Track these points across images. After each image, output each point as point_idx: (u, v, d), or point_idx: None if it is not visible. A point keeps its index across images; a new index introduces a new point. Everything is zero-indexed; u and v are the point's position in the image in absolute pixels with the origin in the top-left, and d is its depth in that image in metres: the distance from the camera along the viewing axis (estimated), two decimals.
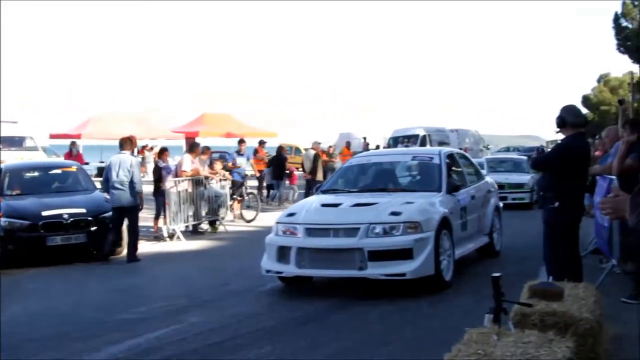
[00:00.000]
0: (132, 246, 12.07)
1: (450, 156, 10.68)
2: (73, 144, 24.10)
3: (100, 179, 14.44)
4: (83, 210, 12.05)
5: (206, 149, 17.02)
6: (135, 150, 35.05)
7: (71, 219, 11.78)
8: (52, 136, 35.78)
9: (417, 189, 9.87)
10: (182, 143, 34.44)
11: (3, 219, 11.60)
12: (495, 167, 21.89)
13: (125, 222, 12.22)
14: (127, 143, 12.58)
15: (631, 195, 3.22)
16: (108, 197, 12.35)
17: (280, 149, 23.33)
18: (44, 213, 11.76)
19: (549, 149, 11.12)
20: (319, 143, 24.05)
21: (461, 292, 8.59)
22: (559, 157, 7.29)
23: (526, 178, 20.24)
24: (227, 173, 17.44)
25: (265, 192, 22.88)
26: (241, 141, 20.24)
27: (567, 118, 7.23)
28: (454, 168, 10.55)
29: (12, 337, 7.21)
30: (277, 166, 22.15)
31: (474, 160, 12.87)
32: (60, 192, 13.12)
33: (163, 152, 15.78)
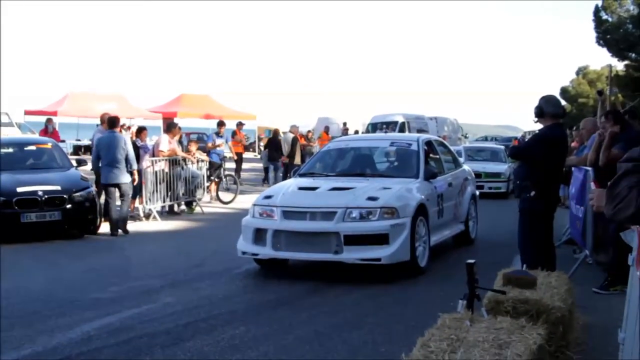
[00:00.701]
0: (124, 221, 12.67)
1: (429, 143, 10.72)
2: (49, 120, 23.81)
3: (76, 157, 14.32)
4: (58, 188, 11.94)
5: (176, 128, 16.63)
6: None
7: (46, 196, 11.68)
8: (28, 112, 35.34)
9: (394, 174, 9.90)
10: (160, 123, 34.24)
11: None
12: (472, 156, 22.03)
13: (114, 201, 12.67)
14: (117, 122, 13.12)
15: (607, 186, 3.25)
16: (87, 175, 12.44)
17: (275, 131, 23.23)
18: (19, 189, 11.64)
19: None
20: (297, 127, 24.02)
21: (436, 278, 8.65)
22: (536, 147, 7.33)
23: (503, 167, 20.39)
24: (204, 155, 17.35)
25: (240, 174, 22.80)
26: (221, 123, 20.13)
27: (546, 108, 7.27)
28: (432, 155, 10.58)
29: None
30: (274, 149, 22.00)
31: (452, 149, 12.92)
32: (35, 169, 12.99)
33: (141, 131, 15.69)
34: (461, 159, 14.84)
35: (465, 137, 43.73)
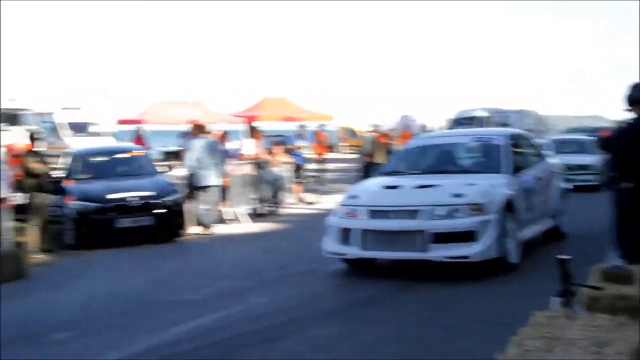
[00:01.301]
0: (212, 221, 13.37)
1: (513, 137, 10.50)
2: (139, 129, 24.81)
3: (165, 163, 14.76)
4: (149, 193, 12.33)
5: (259, 132, 17.00)
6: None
7: (137, 202, 12.07)
8: (120, 122, 36.60)
9: (479, 170, 9.73)
10: (242, 127, 34.81)
11: (74, 202, 11.99)
12: (560, 149, 21.39)
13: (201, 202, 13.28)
14: (204, 128, 13.98)
15: None
16: (176, 179, 12.96)
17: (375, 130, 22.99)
18: (112, 196, 12.08)
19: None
20: (379, 126, 23.93)
21: (526, 275, 8.46)
22: (627, 136, 7.09)
23: (592, 159, 19.73)
24: (287, 157, 17.54)
25: (324, 175, 22.86)
26: (302, 125, 20.30)
27: (638, 95, 7.01)
28: (516, 149, 10.35)
29: (84, 315, 7.47)
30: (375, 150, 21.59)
31: (538, 142, 12.61)
32: (127, 176, 13.44)
33: (223, 136, 15.99)
34: (548, 152, 14.47)
35: (551, 130, 42.58)
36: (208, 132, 14.06)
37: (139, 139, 24.38)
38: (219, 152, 13.66)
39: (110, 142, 26.24)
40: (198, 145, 13.45)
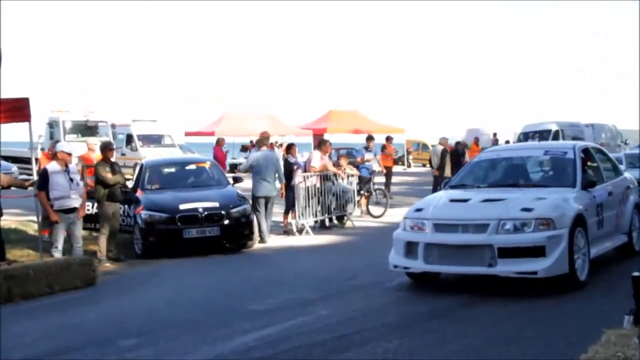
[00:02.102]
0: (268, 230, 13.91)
1: (585, 150, 10.24)
2: (219, 140, 25.71)
3: (233, 174, 15.00)
4: (217, 204, 12.51)
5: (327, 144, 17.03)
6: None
7: (206, 213, 12.26)
8: (187, 134, 37.36)
9: (549, 184, 9.53)
10: (310, 140, 35.04)
11: (144, 212, 12.26)
12: (634, 163, 20.76)
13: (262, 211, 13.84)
14: (264, 141, 14.86)
15: None
16: (243, 192, 13.31)
17: (457, 143, 22.88)
18: (181, 207, 12.30)
19: None
20: (447, 139, 23.72)
21: (597, 292, 8.22)
22: None
23: None
24: (354, 169, 17.56)
25: (390, 187, 22.77)
26: (369, 138, 20.29)
27: None
28: (589, 163, 10.09)
29: (151, 323, 7.63)
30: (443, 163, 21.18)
31: (612, 156, 12.27)
32: (196, 187, 13.69)
33: (290, 147, 16.12)
34: (622, 167, 14.05)
35: (626, 144, 41.32)
36: (270, 145, 14.45)
37: (219, 150, 24.91)
38: (277, 164, 14.36)
39: (187, 154, 26.89)
40: (257, 156, 14.28)
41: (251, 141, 38.52)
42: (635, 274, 4.52)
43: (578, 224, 8.47)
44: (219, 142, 25.65)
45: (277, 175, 14.33)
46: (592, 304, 7.64)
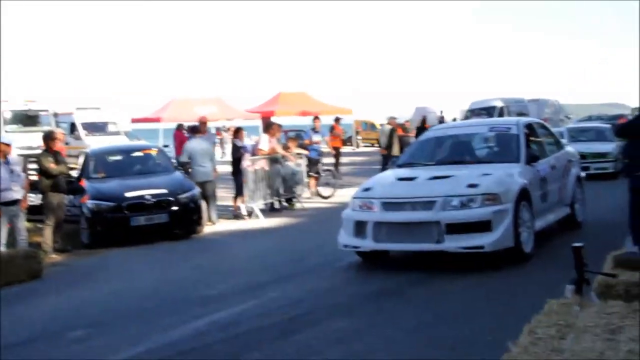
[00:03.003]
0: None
1: (529, 126, 10.42)
2: (180, 125, 25.38)
3: (182, 160, 14.82)
4: (164, 191, 12.37)
5: (277, 127, 16.99)
6: (213, 131, 35.72)
7: (153, 200, 12.12)
8: (134, 120, 36.72)
9: (494, 160, 9.68)
10: (258, 123, 34.84)
11: (90, 201, 12.05)
12: (576, 137, 21.23)
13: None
14: (196, 128, 14.96)
15: None
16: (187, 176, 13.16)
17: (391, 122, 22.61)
18: (128, 194, 12.13)
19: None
20: (395, 118, 23.84)
21: (541, 263, 8.41)
22: None
23: (610, 147, 19.54)
24: (303, 150, 17.53)
25: (339, 168, 22.83)
26: (316, 118, 20.27)
27: None
28: (532, 138, 10.27)
29: (100, 314, 7.52)
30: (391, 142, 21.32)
31: (554, 130, 12.51)
32: (143, 174, 13.49)
33: (238, 131, 16.00)
34: (564, 141, 14.35)
35: (569, 118, 42.20)
36: (201, 132, 14.56)
37: (181, 134, 24.50)
38: (209, 149, 14.52)
39: (123, 141, 26.35)
40: (192, 145, 14.26)
41: (179, 125, 38.11)
42: (576, 244, 4.63)
43: (522, 198, 8.64)
44: (180, 127, 25.34)
45: (211, 160, 14.39)
46: (537, 276, 7.81)
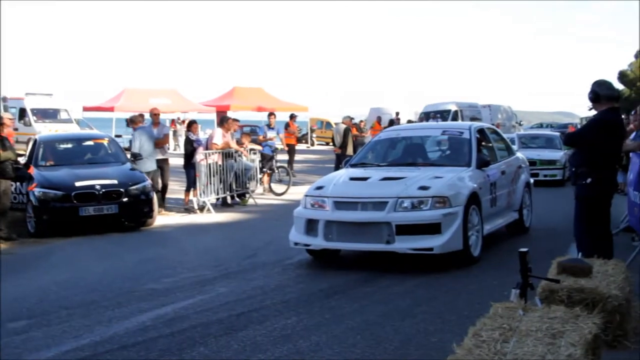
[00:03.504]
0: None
1: (481, 131, 10.57)
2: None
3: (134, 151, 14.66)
4: (115, 182, 12.19)
5: (234, 121, 16.91)
6: (167, 122, 35.35)
7: (103, 190, 11.93)
8: (86, 109, 36.09)
9: (446, 163, 9.80)
10: (214, 117, 34.60)
11: (37, 189, 11.80)
12: (527, 143, 21.66)
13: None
14: (133, 120, 15.27)
15: None
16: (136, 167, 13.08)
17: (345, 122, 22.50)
18: (77, 184, 11.92)
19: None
20: (351, 117, 23.92)
21: (489, 267, 8.54)
22: (592, 132, 7.16)
23: (559, 154, 19.98)
24: (257, 146, 17.48)
25: (293, 165, 22.83)
26: (271, 114, 20.21)
27: (600, 91, 7.09)
28: (484, 143, 10.43)
29: (43, 304, 7.37)
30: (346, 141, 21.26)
31: (505, 136, 12.73)
32: (93, 164, 13.30)
33: (192, 124, 15.87)
34: (515, 147, 14.60)
35: (520, 125, 42.99)
36: (142, 121, 14.72)
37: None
38: (151, 140, 14.36)
39: (73, 130, 25.89)
40: (137, 137, 14.28)
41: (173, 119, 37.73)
42: (522, 249, 4.70)
43: (472, 202, 8.76)
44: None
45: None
46: (484, 279, 7.93)
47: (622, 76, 72.77)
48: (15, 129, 26.92)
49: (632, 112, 10.40)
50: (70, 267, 9.47)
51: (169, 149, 17.45)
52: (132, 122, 15.31)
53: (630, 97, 61.21)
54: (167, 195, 15.23)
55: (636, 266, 7.54)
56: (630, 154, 8.80)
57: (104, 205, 11.90)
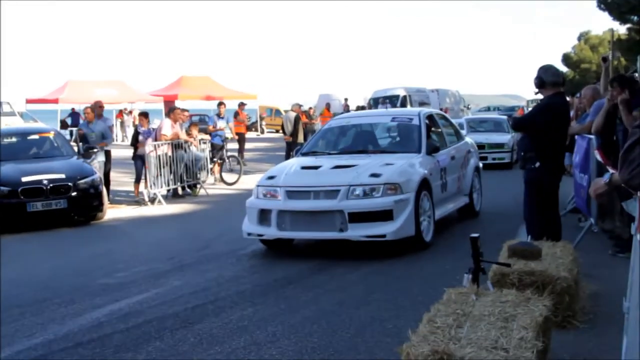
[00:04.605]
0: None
1: (430, 117, 10.68)
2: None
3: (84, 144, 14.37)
4: (63, 176, 11.98)
5: (182, 111, 16.71)
6: (114, 113, 34.80)
7: (51, 185, 11.71)
8: (29, 101, 35.29)
9: (396, 150, 9.89)
10: (161, 107, 34.20)
11: None
12: (475, 127, 21.99)
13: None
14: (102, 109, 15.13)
15: (622, 151, 3.31)
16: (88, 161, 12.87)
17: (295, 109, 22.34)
18: (24, 179, 11.68)
19: (530, 109, 11.16)
20: (300, 105, 23.91)
21: (441, 252, 8.67)
22: (539, 117, 7.30)
23: (506, 138, 20.34)
24: (206, 136, 17.35)
25: (244, 154, 22.73)
26: (220, 104, 20.06)
27: (546, 77, 7.23)
28: (433, 129, 10.55)
29: None
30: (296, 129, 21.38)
31: (454, 121, 12.89)
32: (39, 158, 13.03)
33: (143, 116, 15.67)
34: (463, 131, 14.81)
35: (468, 108, 43.57)
36: (123, 112, 14.21)
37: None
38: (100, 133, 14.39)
39: (17, 123, 25.32)
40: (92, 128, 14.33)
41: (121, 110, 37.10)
42: (473, 234, 4.78)
43: (423, 188, 8.87)
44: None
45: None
46: (437, 264, 8.04)
47: (566, 58, 74.25)
48: None
49: (577, 95, 10.63)
50: (20, 265, 9.27)
51: (113, 140, 17.15)
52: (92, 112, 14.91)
53: (574, 79, 62.59)
54: (117, 188, 15.03)
55: (583, 247, 7.75)
56: (576, 137, 9.02)
57: (52, 200, 11.69)
